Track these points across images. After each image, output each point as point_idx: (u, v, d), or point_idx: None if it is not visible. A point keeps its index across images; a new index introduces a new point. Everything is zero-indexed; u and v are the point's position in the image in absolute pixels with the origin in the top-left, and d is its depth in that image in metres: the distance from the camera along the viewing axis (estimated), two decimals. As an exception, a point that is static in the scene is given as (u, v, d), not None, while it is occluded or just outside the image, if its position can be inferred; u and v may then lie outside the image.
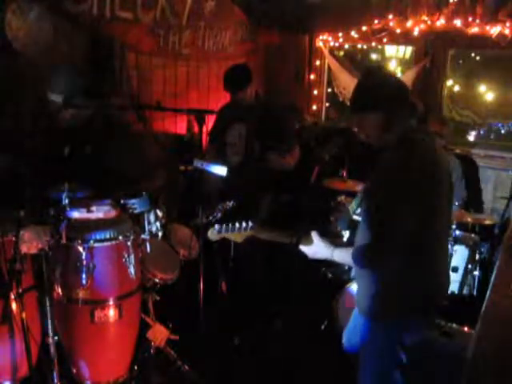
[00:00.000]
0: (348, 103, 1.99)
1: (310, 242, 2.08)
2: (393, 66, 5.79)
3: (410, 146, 1.88)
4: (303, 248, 2.10)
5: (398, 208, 1.80)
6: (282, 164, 3.53)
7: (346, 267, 2.09)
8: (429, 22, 4.67)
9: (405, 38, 4.93)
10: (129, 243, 2.48)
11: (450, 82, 5.05)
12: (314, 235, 2.09)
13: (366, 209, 1.94)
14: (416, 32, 4.77)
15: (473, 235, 3.61)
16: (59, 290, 2.40)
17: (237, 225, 2.08)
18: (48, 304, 2.33)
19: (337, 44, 5.42)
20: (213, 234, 2.12)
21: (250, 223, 2.08)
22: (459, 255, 3.36)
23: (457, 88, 5.17)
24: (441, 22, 4.61)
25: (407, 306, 1.96)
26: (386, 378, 2.03)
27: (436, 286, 2.02)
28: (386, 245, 1.82)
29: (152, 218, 2.71)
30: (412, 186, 1.81)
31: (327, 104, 5.84)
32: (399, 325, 1.99)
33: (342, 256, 1.99)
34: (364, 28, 5.02)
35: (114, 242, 2.43)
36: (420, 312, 1.98)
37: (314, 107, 5.76)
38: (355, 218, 2.25)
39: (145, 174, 2.93)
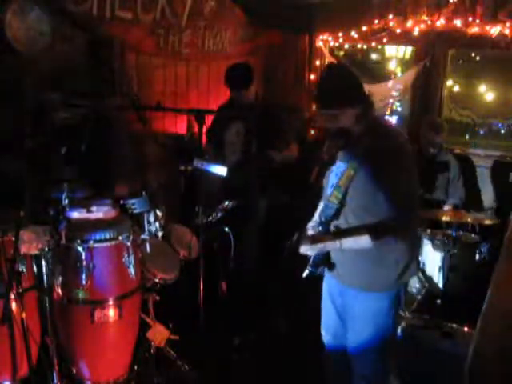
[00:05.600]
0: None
1: (307, 240, 2.09)
2: (393, 66, 5.79)
3: (387, 132, 2.10)
4: (305, 249, 2.10)
5: (407, 185, 1.99)
6: (284, 157, 3.49)
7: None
8: (429, 22, 4.66)
9: (405, 38, 4.92)
10: (128, 243, 2.48)
11: (449, 82, 5.04)
12: (308, 233, 2.14)
13: (371, 192, 1.99)
14: (416, 32, 4.76)
15: (473, 235, 3.61)
16: (59, 290, 2.40)
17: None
18: (48, 304, 2.33)
19: (337, 44, 5.42)
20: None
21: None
22: (459, 255, 3.35)
23: (457, 88, 5.16)
24: (441, 22, 4.59)
25: (404, 275, 2.14)
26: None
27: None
28: (410, 216, 1.98)
29: (151, 218, 2.71)
30: (408, 167, 2.01)
31: (327, 104, 5.82)
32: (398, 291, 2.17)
33: (351, 242, 2.04)
34: (364, 28, 5.01)
35: (113, 243, 2.43)
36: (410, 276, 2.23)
37: (314, 107, 5.76)
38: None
39: (144, 174, 2.92)
